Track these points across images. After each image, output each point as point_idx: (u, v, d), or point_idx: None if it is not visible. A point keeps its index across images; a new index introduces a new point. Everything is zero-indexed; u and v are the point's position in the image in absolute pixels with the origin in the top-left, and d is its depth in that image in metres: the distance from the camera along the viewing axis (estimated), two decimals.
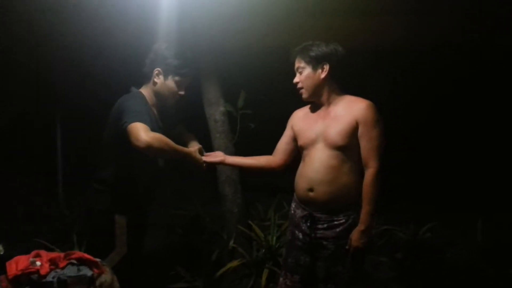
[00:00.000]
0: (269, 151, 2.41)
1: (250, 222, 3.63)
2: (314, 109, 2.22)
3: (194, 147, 2.37)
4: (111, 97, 2.31)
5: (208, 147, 3.67)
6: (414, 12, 3.64)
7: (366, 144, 2.03)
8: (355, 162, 2.07)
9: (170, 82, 2.23)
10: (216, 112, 3.57)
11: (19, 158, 4.66)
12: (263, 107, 3.72)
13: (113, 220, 2.24)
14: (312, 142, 2.14)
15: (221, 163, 2.39)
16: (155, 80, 2.24)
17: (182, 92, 2.28)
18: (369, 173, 2.03)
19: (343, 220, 2.09)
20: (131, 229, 2.28)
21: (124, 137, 2.05)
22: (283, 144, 2.33)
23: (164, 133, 2.23)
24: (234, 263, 3.33)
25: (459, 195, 4.31)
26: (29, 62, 4.22)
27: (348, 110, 2.07)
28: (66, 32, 3.94)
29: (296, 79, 2.16)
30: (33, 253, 2.05)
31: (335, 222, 2.10)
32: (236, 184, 3.62)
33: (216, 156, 2.39)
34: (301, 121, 2.24)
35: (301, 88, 2.15)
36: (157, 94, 2.27)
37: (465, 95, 4.77)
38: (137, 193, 2.31)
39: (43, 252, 2.07)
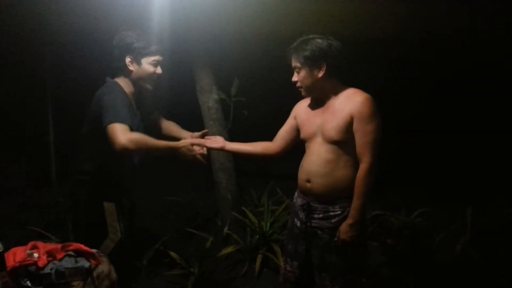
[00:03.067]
0: (262, 138, 2.42)
1: (244, 208, 3.66)
2: (316, 100, 2.21)
3: (186, 138, 2.38)
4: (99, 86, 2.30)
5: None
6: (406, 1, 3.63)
7: (360, 139, 2.03)
8: (352, 156, 2.08)
9: (145, 65, 2.24)
10: (209, 99, 3.57)
11: (12, 146, 4.65)
12: (257, 94, 3.73)
13: (102, 208, 2.26)
14: (312, 136, 2.16)
15: (221, 149, 2.38)
16: (130, 68, 2.24)
17: (159, 71, 2.27)
18: (362, 168, 2.05)
19: (339, 212, 2.12)
20: (121, 215, 2.31)
21: (104, 133, 2.10)
22: (283, 132, 2.34)
23: (141, 121, 2.28)
24: (229, 249, 3.37)
25: (450, 182, 4.37)
26: (21, 53, 4.18)
27: (345, 105, 2.07)
28: (58, 24, 3.88)
29: (294, 78, 2.15)
30: (30, 244, 2.06)
31: (331, 213, 2.13)
32: (230, 171, 3.65)
33: (217, 142, 2.37)
34: (303, 113, 2.24)
35: (300, 87, 2.15)
36: (135, 81, 2.27)
37: (459, 83, 4.80)
38: (121, 180, 2.33)
39: (40, 244, 2.08)
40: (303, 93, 2.17)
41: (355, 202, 2.06)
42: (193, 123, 3.91)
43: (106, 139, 2.09)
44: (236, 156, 2.88)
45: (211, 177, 3.69)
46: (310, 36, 2.12)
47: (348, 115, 2.05)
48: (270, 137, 2.41)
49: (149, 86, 2.29)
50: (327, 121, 2.10)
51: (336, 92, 2.12)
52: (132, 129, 2.13)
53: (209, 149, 2.38)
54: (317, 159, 2.12)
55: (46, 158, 4.31)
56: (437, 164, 4.74)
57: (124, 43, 2.23)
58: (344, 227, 2.08)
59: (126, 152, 2.08)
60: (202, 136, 2.44)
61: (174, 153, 2.25)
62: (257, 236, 3.39)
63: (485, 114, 4.94)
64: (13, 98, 4.57)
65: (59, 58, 4.28)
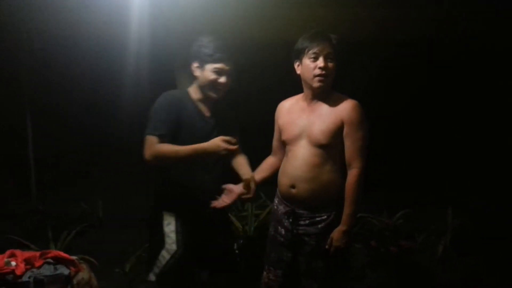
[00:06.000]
0: (245, 143, 2.36)
1: (228, 214, 3.64)
2: (299, 101, 2.15)
3: (244, 176, 2.24)
4: (81, 95, 2.28)
5: None
6: (390, 5, 3.67)
7: (351, 145, 2.01)
8: (337, 161, 2.05)
9: (207, 72, 2.19)
10: None
11: None
12: (239, 100, 3.72)
13: (162, 217, 2.22)
14: (296, 138, 2.10)
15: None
16: (196, 74, 2.22)
17: (222, 80, 2.19)
18: (353, 173, 2.01)
19: (325, 217, 2.08)
20: (183, 227, 2.23)
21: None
22: (277, 142, 2.28)
23: (215, 128, 2.22)
24: None
25: (431, 184, 4.43)
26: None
27: (334, 109, 2.03)
28: (37, 32, 3.84)
29: (323, 64, 1.99)
30: (8, 252, 2.03)
31: (317, 219, 2.09)
32: None
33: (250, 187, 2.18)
34: (286, 114, 2.17)
35: (324, 75, 2.01)
36: (201, 88, 2.24)
37: (439, 87, 4.88)
38: (187, 192, 2.24)
39: (18, 252, 2.05)
40: (322, 84, 2.02)
41: (348, 208, 2.02)
42: None
43: None
44: None
45: None
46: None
47: (338, 119, 2.01)
48: (253, 143, 2.38)
49: (212, 94, 2.22)
50: (314, 124, 2.05)
51: (326, 95, 2.08)
52: (165, 137, 2.10)
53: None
54: (302, 164, 2.06)
55: (26, 166, 4.24)
56: (418, 166, 4.80)
57: (193, 49, 2.22)
58: (337, 234, 2.04)
59: (152, 166, 2.12)
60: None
61: (205, 155, 2.12)
62: (242, 241, 3.38)
63: (466, 118, 5.03)
64: None
65: (37, 64, 4.22)
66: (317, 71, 2.00)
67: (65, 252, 3.27)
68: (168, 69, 3.60)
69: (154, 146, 2.06)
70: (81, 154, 5.14)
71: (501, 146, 4.79)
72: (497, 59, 4.55)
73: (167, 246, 2.20)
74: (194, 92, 2.26)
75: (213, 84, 2.18)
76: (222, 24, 3.93)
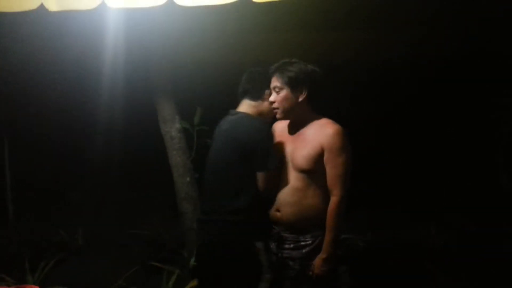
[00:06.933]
0: None
1: None
2: (290, 124, 2.18)
3: None
4: (56, 119, 2.23)
5: (165, 165, 3.64)
6: (368, 28, 3.76)
7: (331, 171, 2.01)
8: (321, 185, 2.05)
9: (266, 97, 2.20)
10: (172, 129, 3.53)
11: None
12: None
13: (255, 249, 2.17)
14: (282, 162, 2.12)
15: None
16: (267, 101, 2.18)
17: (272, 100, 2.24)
18: (333, 201, 2.02)
19: (310, 241, 2.07)
20: (267, 254, 2.23)
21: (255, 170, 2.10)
22: None
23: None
24: (196, 281, 3.28)
25: (414, 202, 4.47)
26: None
27: (316, 135, 2.05)
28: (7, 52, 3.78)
29: (272, 98, 2.10)
30: None
31: (302, 243, 2.08)
32: (195, 201, 3.58)
33: None
34: (276, 137, 2.20)
35: (277, 108, 2.10)
36: (263, 114, 2.21)
37: (418, 107, 4.97)
38: (267, 216, 2.22)
39: None
40: (278, 115, 2.11)
41: (328, 236, 2.02)
42: (156, 153, 3.89)
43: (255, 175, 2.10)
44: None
45: (177, 207, 3.62)
46: (293, 59, 2.10)
47: (319, 145, 2.02)
48: None
49: (270, 118, 2.25)
50: (297, 149, 2.07)
51: (309, 120, 2.10)
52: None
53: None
54: (286, 188, 2.08)
55: (1, 192, 4.13)
56: (401, 185, 4.84)
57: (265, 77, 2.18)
58: (318, 261, 2.03)
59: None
60: None
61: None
62: None
63: (447, 136, 5.11)
64: None
65: (11, 90, 4.15)
66: (272, 105, 2.11)
67: (43, 283, 3.18)
68: (146, 91, 3.60)
69: (267, 181, 2.09)
70: (59, 179, 5.04)
71: (484, 163, 4.90)
72: (476, 77, 4.67)
73: (266, 275, 2.19)
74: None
75: (270, 107, 2.19)
76: (201, 48, 3.98)
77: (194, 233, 3.55)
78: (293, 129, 2.15)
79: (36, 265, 3.36)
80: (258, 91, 2.20)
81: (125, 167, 4.69)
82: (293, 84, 2.04)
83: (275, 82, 2.08)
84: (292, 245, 2.10)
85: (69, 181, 5.13)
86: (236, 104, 2.27)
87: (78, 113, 4.63)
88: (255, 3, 1.96)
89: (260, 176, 2.08)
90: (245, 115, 2.18)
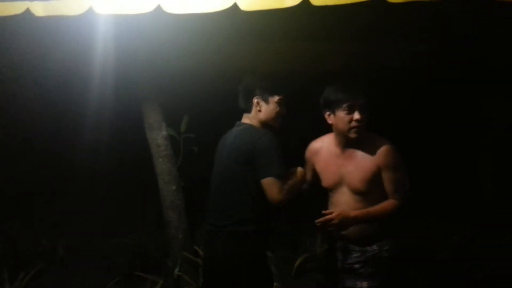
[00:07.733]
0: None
1: (196, 247, 3.56)
2: (332, 146, 2.18)
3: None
4: (40, 126, 2.19)
5: (151, 172, 3.61)
6: (357, 39, 3.80)
7: (389, 186, 2.06)
8: (381, 199, 2.08)
9: (272, 104, 2.21)
10: (158, 136, 3.51)
11: None
12: (206, 130, 3.71)
13: (266, 258, 2.19)
14: (336, 186, 2.14)
15: None
16: (258, 109, 2.21)
17: (284, 110, 2.25)
18: (393, 203, 2.06)
19: (376, 248, 2.10)
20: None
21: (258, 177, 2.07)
22: (312, 179, 2.28)
23: None
24: None
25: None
26: None
27: (369, 155, 2.08)
28: None
29: (359, 117, 2.05)
30: None
31: (369, 251, 2.10)
32: (180, 209, 3.56)
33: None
34: (321, 161, 2.21)
35: (360, 127, 2.07)
36: (264, 122, 2.23)
37: (408, 120, 5.01)
38: (271, 225, 2.25)
39: None
40: (357, 134, 2.08)
41: (371, 210, 2.04)
42: (142, 160, 3.84)
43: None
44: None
45: (162, 216, 3.57)
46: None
47: (375, 166, 2.05)
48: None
49: (277, 126, 2.25)
50: (352, 173, 2.09)
51: (361, 138, 2.10)
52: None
53: None
54: (346, 209, 2.06)
55: None
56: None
57: (249, 86, 2.22)
58: (343, 212, 2.02)
59: (282, 205, 2.09)
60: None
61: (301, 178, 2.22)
62: None
63: (436, 145, 5.17)
64: None
65: None
66: (354, 124, 2.05)
67: None
68: (133, 98, 3.57)
69: (283, 186, 2.06)
70: (42, 187, 4.94)
71: (476, 175, 4.97)
72: (466, 91, 4.74)
73: (277, 284, 2.29)
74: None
75: (278, 114, 2.23)
76: (189, 56, 3.97)
77: (179, 241, 3.52)
78: (342, 151, 2.14)
79: (16, 275, 3.27)
80: (247, 103, 2.22)
81: (110, 174, 4.62)
82: (368, 104, 2.09)
83: (361, 100, 2.07)
84: (359, 253, 2.11)
85: (52, 189, 5.04)
86: (222, 112, 2.28)
87: (63, 120, 4.57)
88: (243, 11, 1.97)
89: (274, 184, 2.05)
90: (248, 126, 2.21)
